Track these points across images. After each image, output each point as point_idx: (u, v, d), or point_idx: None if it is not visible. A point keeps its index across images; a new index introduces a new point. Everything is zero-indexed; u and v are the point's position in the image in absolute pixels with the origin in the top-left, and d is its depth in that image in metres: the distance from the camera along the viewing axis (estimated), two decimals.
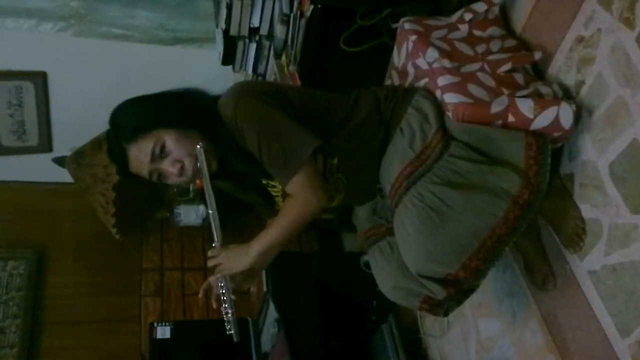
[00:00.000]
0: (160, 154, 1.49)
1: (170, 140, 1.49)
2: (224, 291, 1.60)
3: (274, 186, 1.67)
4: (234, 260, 1.57)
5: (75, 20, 2.80)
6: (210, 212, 1.57)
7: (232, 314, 1.63)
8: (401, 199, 1.48)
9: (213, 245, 1.61)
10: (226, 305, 1.62)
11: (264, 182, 1.67)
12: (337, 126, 1.58)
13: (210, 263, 1.61)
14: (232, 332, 1.66)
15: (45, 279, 3.04)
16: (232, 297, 1.61)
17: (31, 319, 2.86)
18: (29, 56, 2.93)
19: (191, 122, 1.52)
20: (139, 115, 1.51)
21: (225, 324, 1.66)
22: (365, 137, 1.59)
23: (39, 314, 2.91)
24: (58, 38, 2.84)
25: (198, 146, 1.47)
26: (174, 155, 1.50)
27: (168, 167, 1.51)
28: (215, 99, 1.57)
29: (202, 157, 1.48)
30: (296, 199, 1.52)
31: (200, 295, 1.66)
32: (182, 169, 1.51)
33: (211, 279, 1.62)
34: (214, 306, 1.66)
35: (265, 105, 1.48)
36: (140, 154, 1.49)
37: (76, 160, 2.96)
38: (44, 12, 2.75)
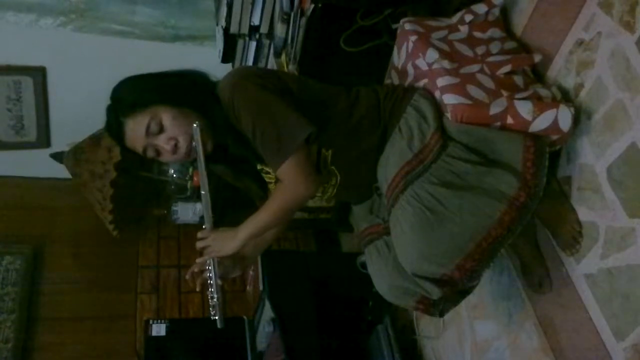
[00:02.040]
0: (156, 129, 1.50)
1: (166, 117, 1.50)
2: (210, 275, 1.61)
3: (267, 172, 1.67)
4: (222, 243, 1.59)
5: (76, 15, 2.80)
6: (202, 192, 1.57)
7: (218, 299, 1.62)
8: (398, 198, 1.48)
9: (203, 227, 1.63)
10: (212, 290, 1.62)
11: (258, 167, 1.68)
12: (335, 117, 1.58)
13: (198, 245, 1.62)
14: (217, 317, 1.65)
15: (41, 274, 3.04)
16: (219, 282, 1.62)
17: (27, 314, 2.86)
18: (29, 51, 2.93)
19: (189, 102, 1.53)
20: (139, 91, 1.53)
21: (210, 309, 1.65)
22: (362, 133, 1.59)
23: (35, 309, 2.91)
24: (58, 33, 2.84)
25: (195, 125, 1.48)
26: (169, 133, 1.51)
27: (162, 143, 1.52)
28: (216, 82, 1.59)
29: (197, 136, 1.49)
30: (286, 184, 1.53)
31: (188, 277, 1.67)
32: (176, 147, 1.52)
33: (199, 260, 1.64)
34: (197, 289, 1.67)
35: (263, 89, 1.49)
36: (136, 128, 1.50)
37: (74, 156, 2.96)
38: (45, 7, 2.75)
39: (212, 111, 1.53)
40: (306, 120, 1.48)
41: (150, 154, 1.54)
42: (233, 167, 1.74)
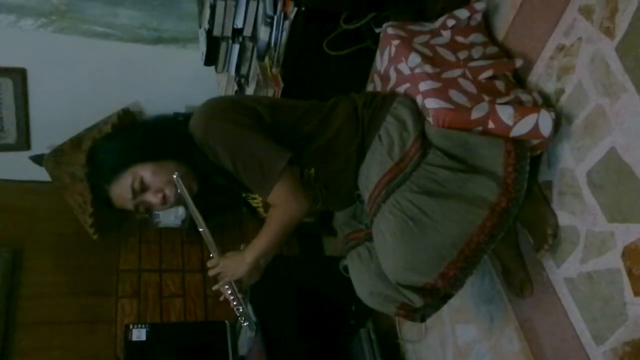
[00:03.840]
0: (141, 188, 1.54)
1: (147, 174, 1.53)
2: (230, 291, 1.69)
3: (254, 198, 1.70)
4: (232, 268, 1.64)
5: (57, 16, 2.77)
6: (200, 230, 1.61)
7: (244, 309, 1.76)
8: (380, 207, 1.48)
9: (210, 256, 1.67)
10: (235, 303, 1.72)
11: (243, 195, 1.70)
12: (310, 136, 1.59)
13: (210, 273, 1.68)
14: (247, 324, 1.85)
15: (21, 278, 2.99)
16: (240, 295, 1.70)
17: (5, 319, 2.81)
18: (8, 52, 2.89)
19: (164, 152, 1.56)
20: (114, 155, 1.55)
21: (240, 318, 1.82)
22: (340, 146, 1.60)
23: (14, 313, 2.86)
24: (38, 34, 2.81)
25: (174, 176, 1.51)
26: (154, 187, 1.55)
27: (150, 198, 1.56)
28: (186, 120, 1.59)
29: (180, 185, 1.51)
30: (279, 209, 1.56)
31: (222, 299, 1.74)
32: (164, 198, 1.56)
33: (216, 287, 1.69)
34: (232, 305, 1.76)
35: (234, 124, 1.50)
36: (121, 191, 1.54)
37: (54, 159, 2.93)
38: (25, 8, 2.71)
39: (189, 154, 1.55)
40: (282, 147, 1.50)
41: (142, 209, 1.59)
42: (221, 197, 1.75)
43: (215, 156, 1.52)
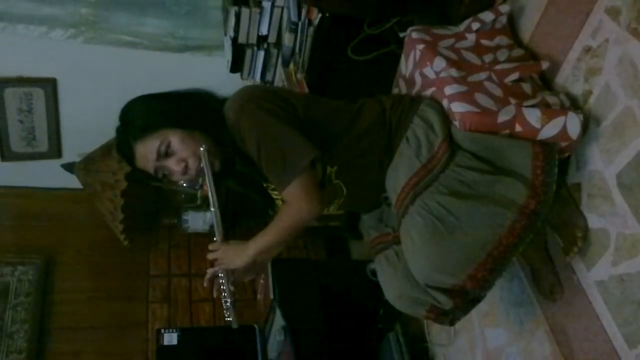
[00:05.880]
0: (166, 152, 1.54)
1: (175, 140, 1.54)
2: (223, 281, 1.67)
3: (274, 189, 1.69)
4: (231, 257, 1.64)
5: (86, 27, 2.83)
6: (212, 209, 1.61)
7: (231, 303, 1.70)
8: (407, 209, 1.48)
9: (214, 239, 1.67)
10: (225, 295, 1.68)
11: (264, 185, 1.70)
12: (339, 134, 1.60)
13: (209, 257, 1.67)
14: (231, 319, 1.74)
15: (53, 284, 3.06)
16: (231, 288, 1.67)
17: (39, 324, 2.88)
18: (40, 63, 2.96)
19: (196, 123, 1.57)
20: (147, 115, 1.56)
21: (224, 312, 1.74)
22: (367, 146, 1.60)
23: (47, 319, 2.93)
24: (68, 45, 2.87)
25: (202, 148, 1.51)
26: (179, 155, 1.55)
27: (173, 165, 1.56)
28: (222, 101, 1.61)
29: (205, 159, 1.52)
30: (291, 206, 1.56)
31: (206, 284, 1.71)
32: (186, 168, 1.56)
33: (210, 270, 1.68)
34: (214, 295, 1.72)
35: (267, 112, 1.51)
36: (146, 151, 1.55)
37: (85, 167, 2.99)
38: (55, 19, 2.77)
39: (219, 132, 1.56)
40: (310, 144, 1.50)
41: (161, 174, 1.59)
42: (240, 183, 1.77)
43: (242, 141, 1.53)
